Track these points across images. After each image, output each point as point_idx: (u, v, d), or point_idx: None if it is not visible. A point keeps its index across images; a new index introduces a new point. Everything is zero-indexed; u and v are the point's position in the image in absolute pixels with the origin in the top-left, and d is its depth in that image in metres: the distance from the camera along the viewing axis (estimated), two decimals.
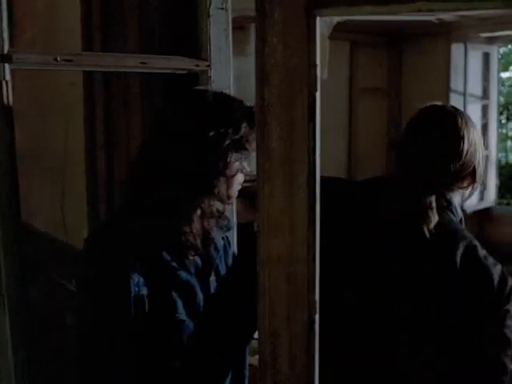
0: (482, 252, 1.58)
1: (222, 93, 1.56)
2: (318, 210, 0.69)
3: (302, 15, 0.66)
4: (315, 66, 0.66)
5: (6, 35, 1.37)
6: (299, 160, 0.68)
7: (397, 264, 1.58)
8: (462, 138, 1.60)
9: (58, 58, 1.43)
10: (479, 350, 1.56)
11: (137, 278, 1.46)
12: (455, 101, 8.25)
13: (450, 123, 1.62)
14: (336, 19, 7.57)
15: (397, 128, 10.45)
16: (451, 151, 1.60)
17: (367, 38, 7.77)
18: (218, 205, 1.53)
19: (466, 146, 1.61)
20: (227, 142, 1.45)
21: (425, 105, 1.68)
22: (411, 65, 9.89)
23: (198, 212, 1.51)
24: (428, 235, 1.55)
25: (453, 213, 1.66)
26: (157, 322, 1.50)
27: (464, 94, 8.66)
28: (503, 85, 13.14)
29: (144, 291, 1.48)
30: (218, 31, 1.50)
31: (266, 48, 0.69)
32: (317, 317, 0.71)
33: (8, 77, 1.42)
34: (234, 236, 1.82)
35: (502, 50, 11.02)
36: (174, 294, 1.52)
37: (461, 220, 1.71)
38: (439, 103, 1.72)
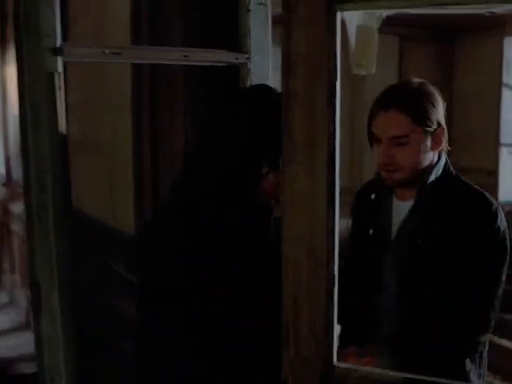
0: None
1: None
2: (337, 190, 0.76)
3: (324, 11, 0.72)
4: (335, 57, 0.72)
5: (58, 30, 1.45)
6: (320, 143, 0.74)
7: None
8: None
9: (106, 52, 1.51)
10: None
11: None
12: (507, 95, 8.08)
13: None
14: (385, 13, 7.50)
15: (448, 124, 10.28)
16: None
17: (418, 32, 7.64)
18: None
19: None
20: None
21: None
22: (463, 59, 9.71)
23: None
24: None
25: None
26: None
27: None
28: None
29: None
30: (258, 25, 1.59)
31: (291, 42, 0.75)
32: (335, 288, 0.78)
33: (60, 69, 1.49)
34: None
35: None
36: None
37: None
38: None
